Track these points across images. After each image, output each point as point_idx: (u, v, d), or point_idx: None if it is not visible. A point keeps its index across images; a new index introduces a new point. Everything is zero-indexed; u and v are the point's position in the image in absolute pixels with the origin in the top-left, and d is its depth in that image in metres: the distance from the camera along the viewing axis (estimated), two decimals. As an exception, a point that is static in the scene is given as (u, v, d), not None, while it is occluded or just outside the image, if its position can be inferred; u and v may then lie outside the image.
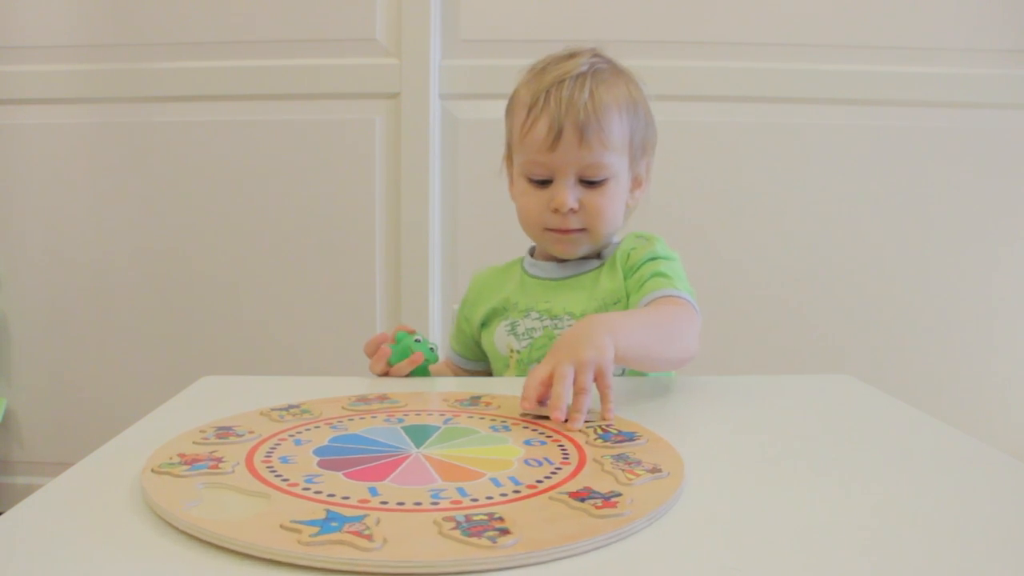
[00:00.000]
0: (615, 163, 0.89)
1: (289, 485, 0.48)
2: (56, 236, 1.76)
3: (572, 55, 0.91)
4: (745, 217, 1.71)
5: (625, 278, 0.90)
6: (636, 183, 0.95)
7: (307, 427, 0.62)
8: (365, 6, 1.67)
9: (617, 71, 0.92)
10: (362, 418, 0.65)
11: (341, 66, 1.68)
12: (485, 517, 0.44)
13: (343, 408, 0.68)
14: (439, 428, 0.62)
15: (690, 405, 0.75)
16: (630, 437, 0.60)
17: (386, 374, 0.86)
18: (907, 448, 0.64)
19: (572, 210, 0.88)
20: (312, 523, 0.42)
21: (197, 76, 1.70)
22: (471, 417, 0.66)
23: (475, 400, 0.71)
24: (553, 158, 0.87)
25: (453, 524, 0.42)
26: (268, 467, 0.52)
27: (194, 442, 0.57)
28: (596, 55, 0.92)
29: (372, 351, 0.87)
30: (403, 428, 0.62)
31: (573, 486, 0.49)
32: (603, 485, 0.49)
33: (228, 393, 0.82)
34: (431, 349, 0.87)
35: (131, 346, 1.77)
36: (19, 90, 1.72)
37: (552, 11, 1.67)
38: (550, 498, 0.47)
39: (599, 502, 0.46)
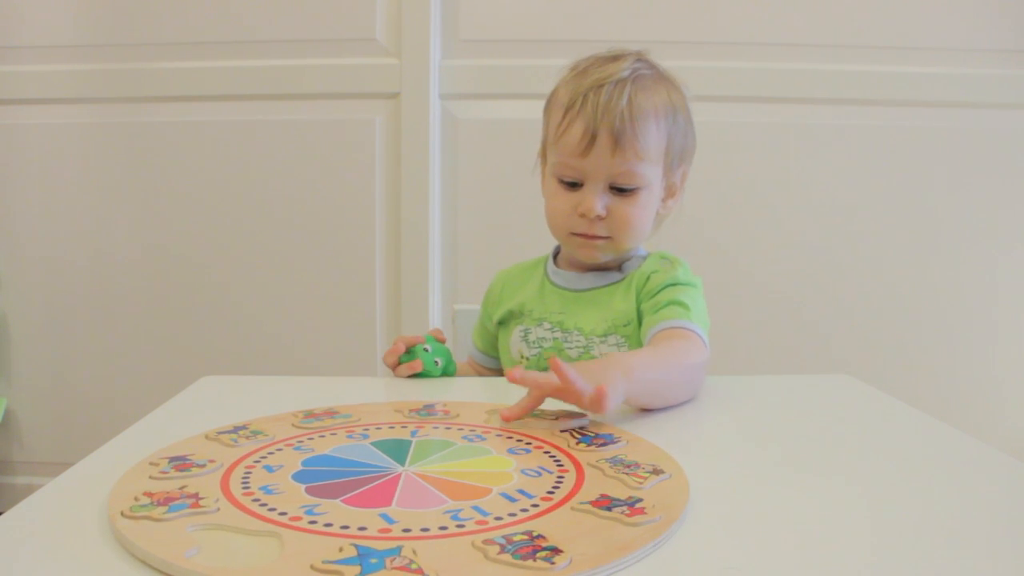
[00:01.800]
0: (648, 173, 0.87)
1: (291, 519, 0.44)
2: (56, 236, 1.76)
3: (616, 57, 0.88)
4: (745, 216, 1.70)
5: (641, 301, 0.88)
6: (670, 192, 0.93)
7: (268, 451, 0.57)
8: (365, 6, 1.67)
9: (660, 77, 0.90)
10: (322, 436, 0.61)
11: (341, 66, 1.68)
12: (525, 537, 0.42)
13: (294, 426, 0.63)
14: (411, 442, 0.60)
15: (690, 405, 0.75)
16: (609, 439, 0.59)
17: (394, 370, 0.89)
18: (907, 448, 0.64)
19: (599, 217, 0.86)
20: (348, 562, 0.39)
21: (197, 76, 1.70)
22: (436, 428, 0.63)
23: (429, 409, 0.69)
24: (585, 163, 0.85)
25: (498, 548, 0.40)
26: (254, 500, 0.47)
27: (151, 477, 0.51)
28: (640, 59, 0.89)
29: (399, 343, 0.88)
30: (373, 445, 0.59)
31: (589, 495, 0.48)
32: (617, 491, 0.49)
33: (228, 393, 0.82)
34: (436, 363, 0.88)
35: (131, 346, 1.77)
36: (19, 90, 1.72)
37: (552, 11, 1.67)
38: (572, 509, 0.46)
39: (626, 510, 0.45)
